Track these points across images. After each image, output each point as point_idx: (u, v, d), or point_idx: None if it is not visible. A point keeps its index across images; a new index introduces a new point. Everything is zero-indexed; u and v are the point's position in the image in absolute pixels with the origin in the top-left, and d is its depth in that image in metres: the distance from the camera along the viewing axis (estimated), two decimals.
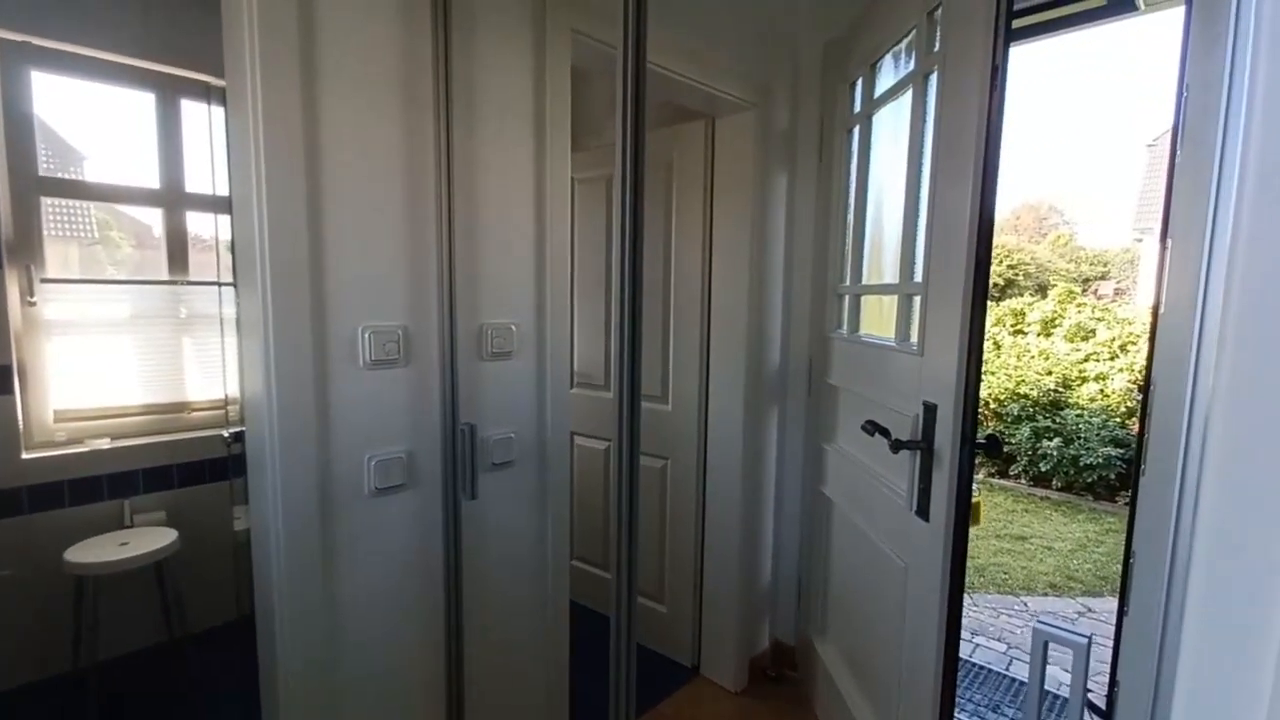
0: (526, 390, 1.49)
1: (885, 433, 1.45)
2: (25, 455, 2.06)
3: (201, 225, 2.42)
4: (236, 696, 2.05)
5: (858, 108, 1.84)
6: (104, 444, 2.21)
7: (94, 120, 2.26)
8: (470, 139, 1.34)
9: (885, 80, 1.68)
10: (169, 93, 2.29)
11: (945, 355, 1.29)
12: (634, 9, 0.89)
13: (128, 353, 2.31)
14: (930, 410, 1.34)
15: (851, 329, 1.85)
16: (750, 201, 1.99)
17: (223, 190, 1.82)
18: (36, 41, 2.03)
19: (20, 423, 2.06)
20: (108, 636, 2.09)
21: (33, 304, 2.11)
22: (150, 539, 2.07)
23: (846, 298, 1.90)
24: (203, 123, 2.31)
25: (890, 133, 1.66)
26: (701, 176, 2.09)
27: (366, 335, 1.22)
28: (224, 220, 1.97)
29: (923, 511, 1.37)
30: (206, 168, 2.33)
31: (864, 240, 1.80)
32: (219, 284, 1.79)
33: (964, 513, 1.29)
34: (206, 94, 1.76)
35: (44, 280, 2.13)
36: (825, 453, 1.97)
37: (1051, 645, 0.94)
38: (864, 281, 1.82)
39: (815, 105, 2.03)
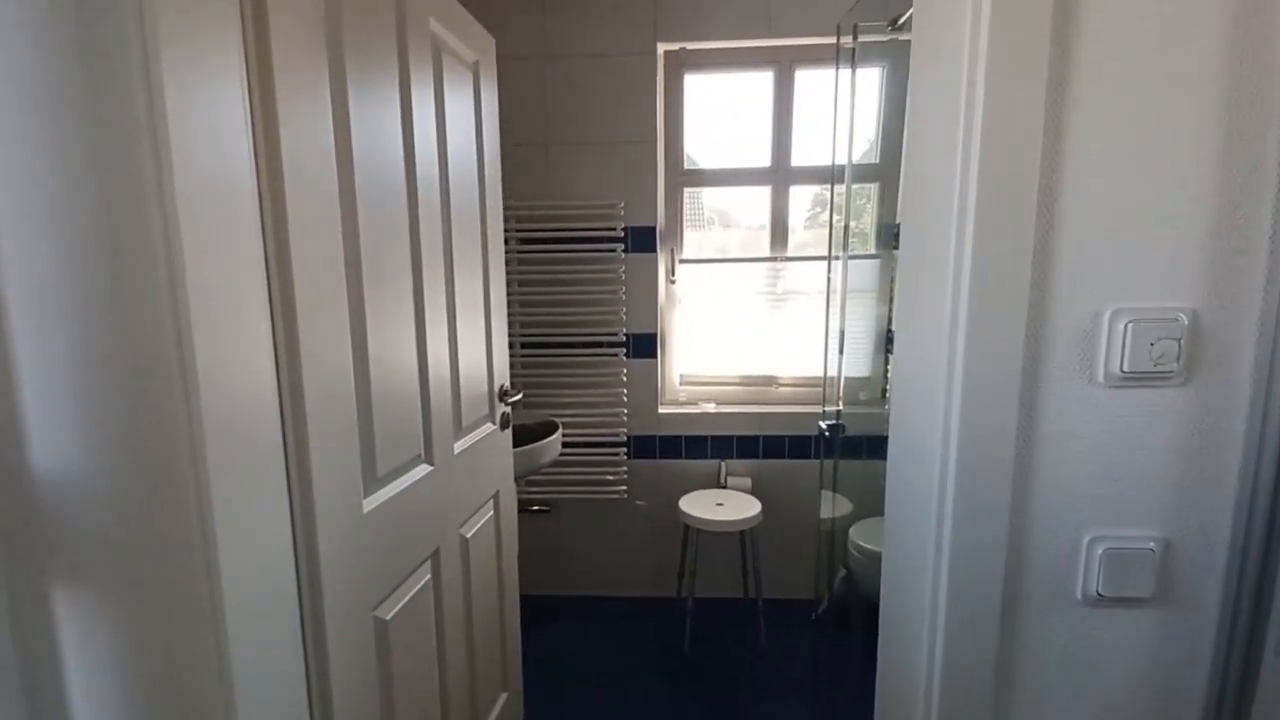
0: None
1: None
2: (660, 410, 2.43)
3: (797, 201, 2.38)
4: (797, 680, 2.00)
5: None
6: (711, 408, 2.44)
7: (716, 111, 2.43)
8: None
9: None
10: (785, 65, 2.28)
11: None
12: None
13: (730, 325, 2.48)
14: None
15: None
16: None
17: (842, 159, 1.60)
18: (690, 46, 2.27)
19: (660, 382, 2.43)
20: (701, 579, 2.30)
21: (673, 282, 2.44)
22: (740, 506, 2.16)
23: None
24: (819, 89, 2.21)
25: None
26: None
27: (1119, 326, 0.70)
28: (837, 190, 1.78)
29: None
30: (821, 136, 2.24)
31: None
32: (829, 258, 1.60)
33: None
34: (836, 56, 1.58)
35: (681, 261, 2.44)
36: None
37: None
38: None
39: None
